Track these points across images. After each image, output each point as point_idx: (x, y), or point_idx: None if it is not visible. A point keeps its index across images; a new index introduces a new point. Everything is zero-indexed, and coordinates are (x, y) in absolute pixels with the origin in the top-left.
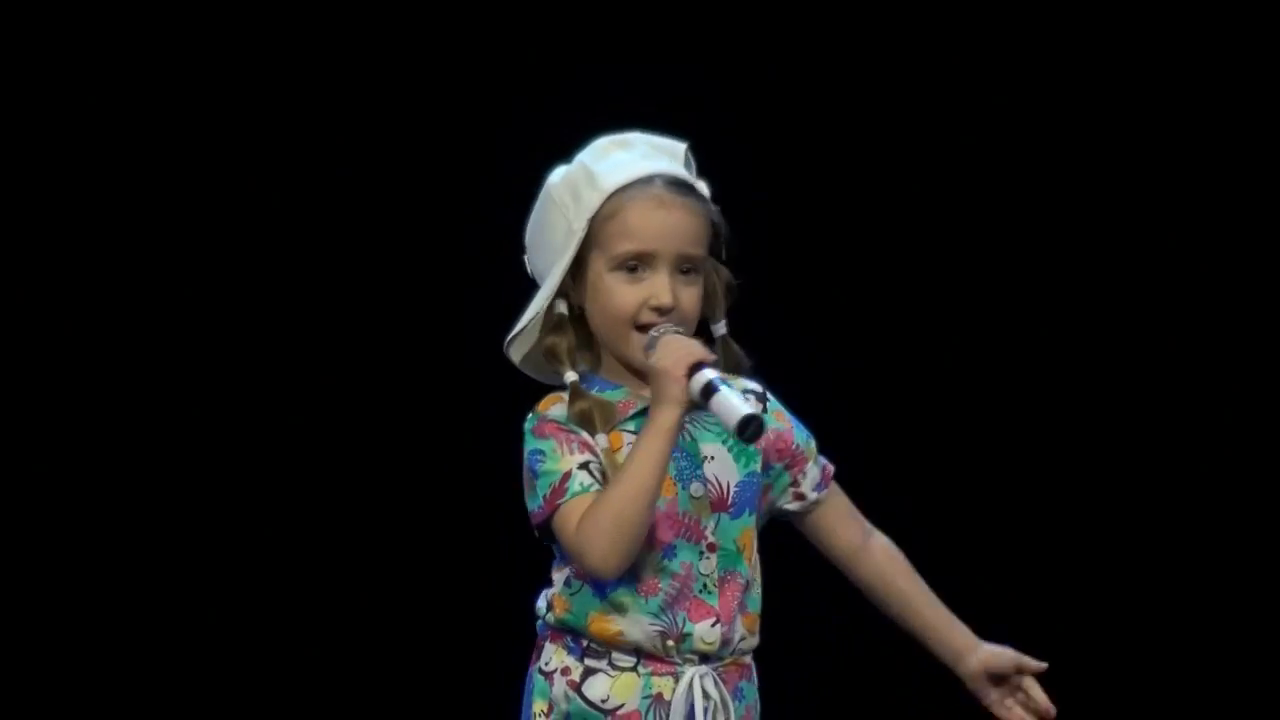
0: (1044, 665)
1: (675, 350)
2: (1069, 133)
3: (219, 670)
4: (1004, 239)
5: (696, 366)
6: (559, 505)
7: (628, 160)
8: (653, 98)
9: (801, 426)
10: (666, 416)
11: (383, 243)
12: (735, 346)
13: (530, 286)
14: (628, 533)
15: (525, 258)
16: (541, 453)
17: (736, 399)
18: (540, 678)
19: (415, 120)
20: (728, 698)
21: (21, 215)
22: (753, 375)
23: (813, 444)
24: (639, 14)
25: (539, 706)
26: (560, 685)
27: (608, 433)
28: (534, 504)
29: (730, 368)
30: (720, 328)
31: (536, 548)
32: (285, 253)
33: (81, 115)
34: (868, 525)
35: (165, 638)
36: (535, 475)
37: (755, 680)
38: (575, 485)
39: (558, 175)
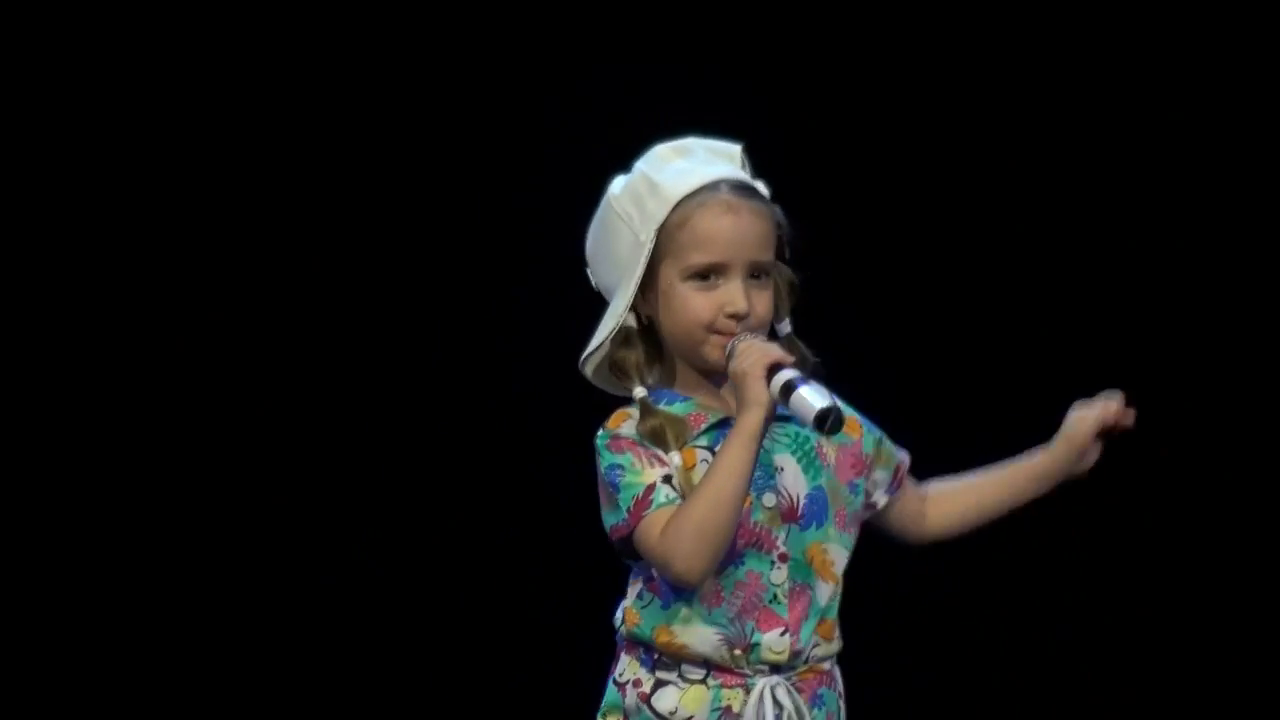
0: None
1: (753, 353)
2: (1108, 134)
3: (272, 677)
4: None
5: (775, 367)
6: (644, 516)
7: (689, 167)
8: (685, 99)
9: (871, 428)
10: (750, 419)
11: (425, 251)
12: (800, 345)
13: (595, 298)
14: (712, 539)
15: (589, 270)
16: (621, 467)
17: (813, 393)
18: (614, 688)
19: (444, 124)
20: (803, 706)
21: (35, 216)
22: (819, 375)
23: (884, 446)
24: (667, 14)
25: (611, 718)
26: (632, 696)
27: (680, 449)
28: (616, 517)
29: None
30: (785, 326)
31: (616, 558)
32: (335, 262)
33: (100, 116)
34: (923, 492)
35: (204, 642)
36: (616, 489)
37: (839, 685)
38: (660, 497)
39: (618, 186)
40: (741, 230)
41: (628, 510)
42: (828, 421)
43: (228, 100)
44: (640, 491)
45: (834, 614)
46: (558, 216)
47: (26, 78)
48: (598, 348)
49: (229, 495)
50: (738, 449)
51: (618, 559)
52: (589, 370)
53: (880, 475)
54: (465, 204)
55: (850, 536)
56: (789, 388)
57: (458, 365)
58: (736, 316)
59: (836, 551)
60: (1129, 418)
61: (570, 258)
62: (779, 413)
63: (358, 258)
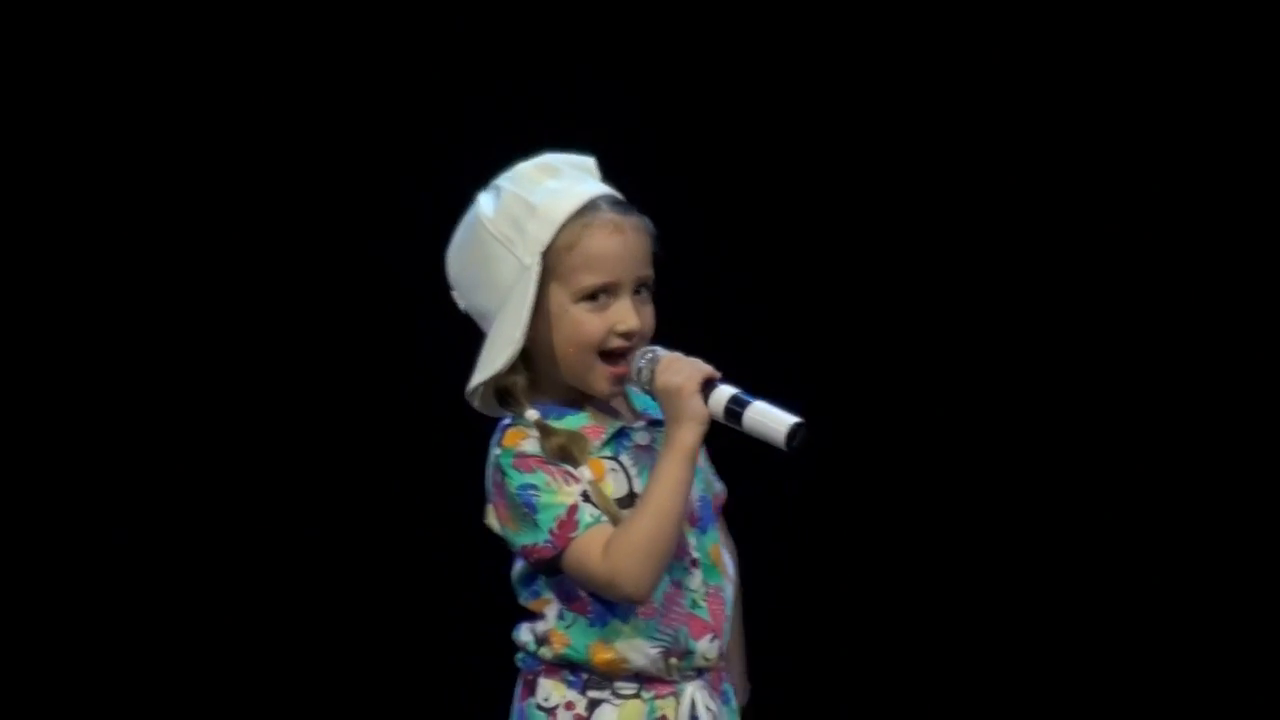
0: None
1: (682, 368)
2: (1056, 129)
3: (233, 679)
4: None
5: (710, 382)
6: (573, 538)
7: (562, 187)
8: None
9: None
10: (688, 435)
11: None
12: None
13: (466, 322)
14: (659, 557)
15: (455, 294)
16: (534, 487)
17: (776, 410)
18: (540, 713)
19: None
20: (718, 706)
21: (28, 216)
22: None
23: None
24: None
25: None
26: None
27: (586, 463)
28: (536, 537)
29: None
30: None
31: (498, 578)
32: (331, 263)
33: (98, 116)
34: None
35: (179, 649)
36: (534, 509)
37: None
38: (586, 517)
39: (487, 208)
40: (629, 248)
41: (550, 531)
42: (797, 437)
43: (213, 102)
44: (563, 512)
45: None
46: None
47: (26, 78)
48: (493, 376)
49: (207, 492)
50: (676, 466)
51: (505, 583)
52: (477, 401)
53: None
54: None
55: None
56: (738, 403)
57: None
58: (628, 335)
59: (721, 549)
60: None
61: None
62: (656, 417)
63: (348, 259)
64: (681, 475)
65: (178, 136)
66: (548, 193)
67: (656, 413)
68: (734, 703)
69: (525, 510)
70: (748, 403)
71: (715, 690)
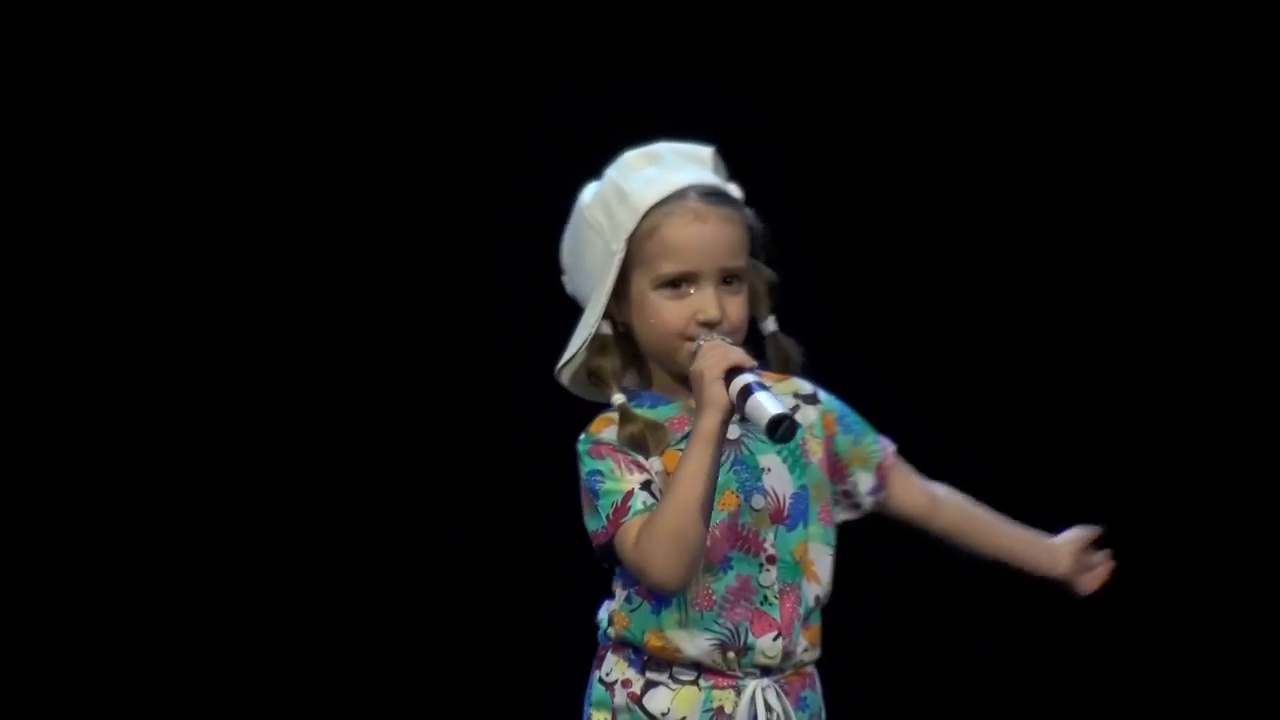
0: (1096, 530)
1: (713, 355)
2: (1108, 141)
3: (266, 677)
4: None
5: (734, 370)
6: (622, 524)
7: (657, 175)
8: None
9: (853, 425)
10: (707, 421)
11: (420, 255)
12: (785, 342)
13: (571, 306)
14: (685, 545)
15: (564, 279)
16: (600, 473)
17: (767, 400)
18: (600, 687)
19: (439, 132)
20: (790, 709)
21: (34, 216)
22: (804, 372)
23: (862, 444)
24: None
25: (599, 716)
26: (621, 696)
27: (660, 454)
28: (596, 524)
29: (780, 364)
30: (769, 325)
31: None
32: (333, 264)
33: (95, 116)
34: (928, 485)
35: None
36: (596, 495)
37: (819, 687)
38: (638, 504)
39: (589, 195)
40: (710, 238)
41: (607, 517)
42: (780, 429)
43: (221, 103)
44: (619, 498)
45: (818, 618)
46: (541, 223)
47: (26, 78)
48: (572, 357)
49: (213, 492)
50: (698, 452)
51: (599, 563)
52: (565, 378)
53: (862, 476)
54: (453, 210)
55: (832, 533)
56: (746, 392)
57: (447, 369)
58: (709, 324)
59: (818, 550)
60: (1103, 565)
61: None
62: None
63: (352, 261)
64: (701, 462)
65: (249, 136)
66: (642, 180)
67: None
68: (817, 709)
69: (591, 496)
70: (752, 392)
71: (791, 695)
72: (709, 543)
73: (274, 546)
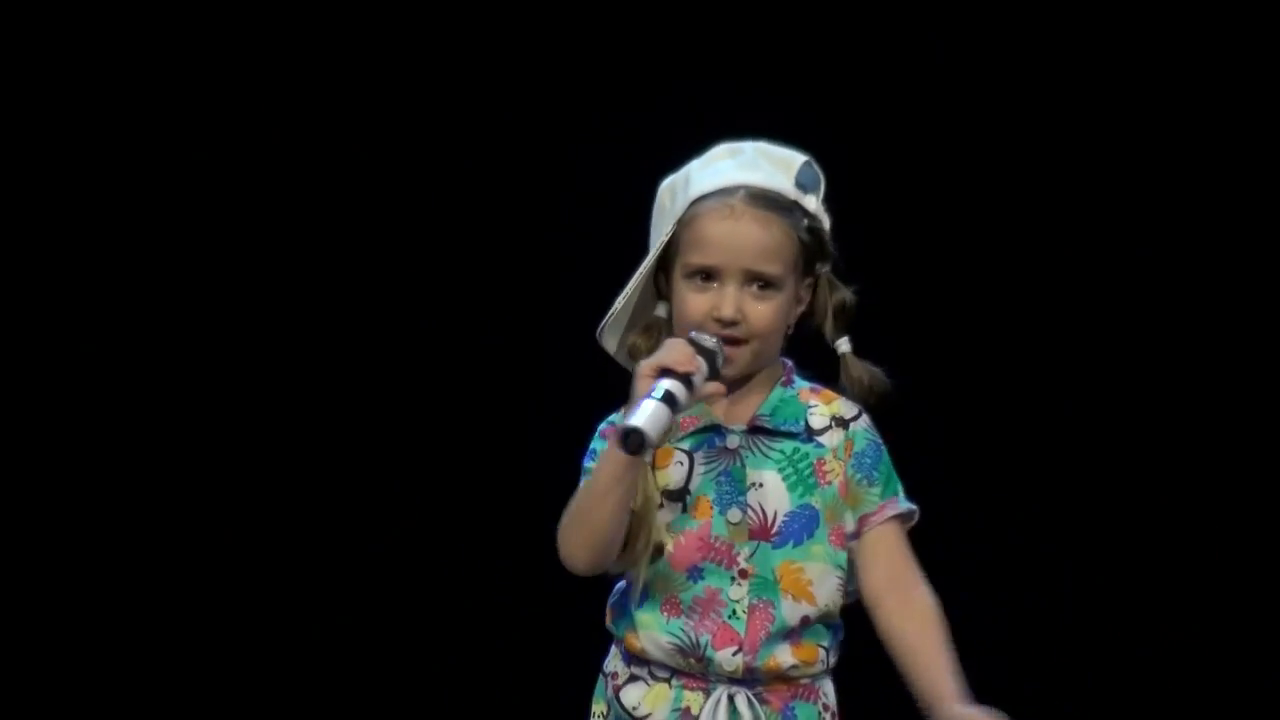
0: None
1: (662, 352)
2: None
3: (270, 675)
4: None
5: (666, 371)
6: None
7: (726, 169)
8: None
9: (866, 465)
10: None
11: (465, 255)
12: (858, 365)
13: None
14: (588, 531)
15: None
16: (594, 452)
17: (639, 409)
18: (602, 678)
19: (507, 130)
20: (763, 716)
21: (32, 216)
22: (879, 399)
23: (864, 490)
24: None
25: (597, 707)
26: (609, 687)
27: (657, 445)
28: None
29: (855, 388)
30: (843, 345)
31: None
32: (362, 263)
33: (94, 116)
34: (907, 578)
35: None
36: (581, 475)
37: (822, 701)
38: None
39: (669, 178)
40: (738, 237)
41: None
42: (627, 441)
43: (224, 104)
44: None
45: (816, 636)
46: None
47: (26, 78)
48: (608, 321)
49: (212, 492)
50: (611, 443)
51: None
52: (610, 343)
53: (848, 516)
54: (504, 213)
55: (845, 555)
56: (649, 394)
57: (454, 362)
58: (722, 321)
59: (821, 571)
60: None
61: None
62: (770, 428)
63: (352, 260)
64: (611, 456)
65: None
66: (710, 172)
67: (788, 422)
68: None
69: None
70: (647, 396)
71: (776, 704)
72: (674, 549)
73: (275, 546)
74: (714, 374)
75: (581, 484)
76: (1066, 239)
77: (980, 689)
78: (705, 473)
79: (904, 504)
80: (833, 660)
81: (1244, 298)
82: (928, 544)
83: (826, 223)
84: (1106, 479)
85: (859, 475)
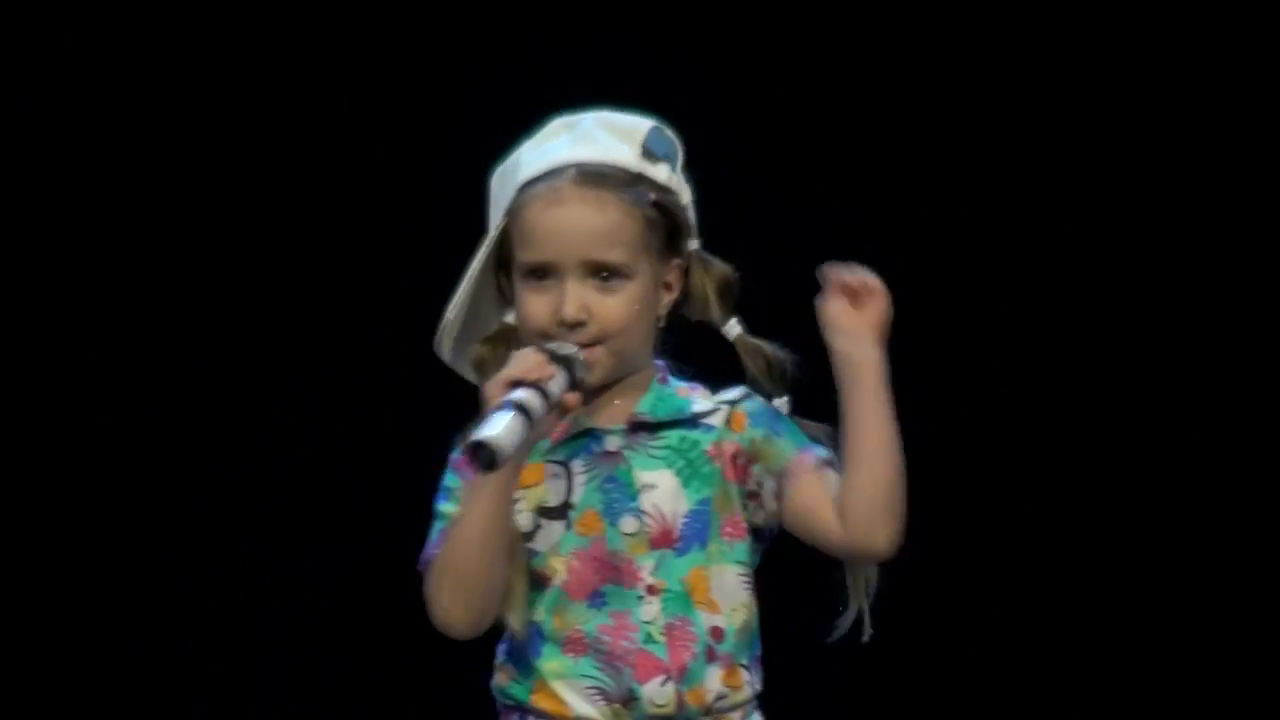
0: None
1: (510, 365)
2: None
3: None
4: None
5: (517, 384)
6: (435, 555)
7: (558, 146)
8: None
9: (767, 421)
10: None
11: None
12: (755, 344)
13: None
14: (468, 584)
15: None
16: (448, 490)
17: (488, 421)
18: None
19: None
20: None
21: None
22: (782, 381)
23: (774, 443)
24: None
25: None
26: None
27: (515, 460)
28: (425, 549)
29: (762, 372)
30: (733, 328)
31: None
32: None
33: (92, 116)
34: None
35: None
36: (434, 516)
37: None
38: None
39: (502, 163)
40: (568, 224)
41: (431, 543)
42: (476, 455)
43: (203, 103)
44: (447, 525)
45: (743, 656)
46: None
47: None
48: (442, 332)
49: (213, 491)
50: (472, 473)
51: None
52: (449, 354)
53: (761, 474)
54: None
55: (743, 546)
56: (498, 408)
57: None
58: (566, 323)
59: (720, 572)
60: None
61: None
62: (653, 421)
63: (350, 259)
64: (477, 490)
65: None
66: (540, 152)
67: (670, 413)
68: None
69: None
70: (499, 409)
71: None
72: (567, 576)
73: (276, 545)
74: (574, 383)
75: (437, 531)
76: (1067, 239)
77: (981, 688)
78: (587, 482)
79: (824, 453)
80: (758, 684)
81: (1244, 298)
82: (927, 544)
83: (686, 195)
84: (1106, 479)
85: (761, 433)
